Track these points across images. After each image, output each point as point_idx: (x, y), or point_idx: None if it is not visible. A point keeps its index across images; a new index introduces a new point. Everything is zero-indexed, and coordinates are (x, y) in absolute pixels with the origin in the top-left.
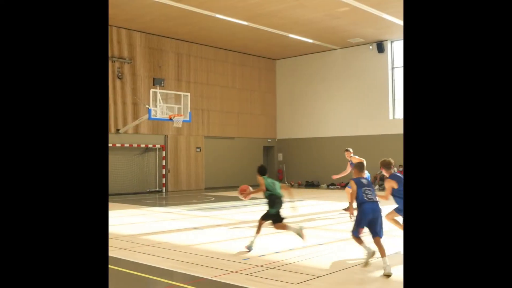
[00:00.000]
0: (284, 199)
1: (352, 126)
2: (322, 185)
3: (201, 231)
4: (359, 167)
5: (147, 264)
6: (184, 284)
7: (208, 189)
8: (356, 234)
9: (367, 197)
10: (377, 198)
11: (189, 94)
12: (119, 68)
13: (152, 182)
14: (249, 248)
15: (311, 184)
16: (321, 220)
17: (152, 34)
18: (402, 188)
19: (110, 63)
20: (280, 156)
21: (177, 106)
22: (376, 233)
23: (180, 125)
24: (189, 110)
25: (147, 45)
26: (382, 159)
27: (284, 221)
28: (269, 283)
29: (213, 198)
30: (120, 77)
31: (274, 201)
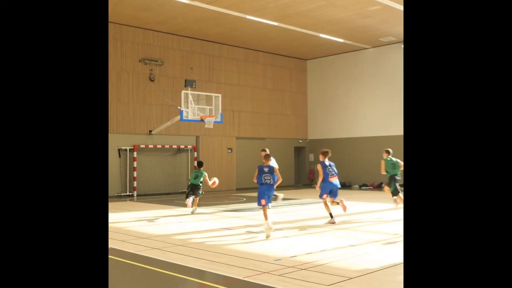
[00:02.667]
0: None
1: (384, 126)
2: (354, 186)
3: (232, 231)
4: (265, 158)
5: (179, 263)
6: (216, 284)
7: (239, 189)
8: (259, 204)
9: (264, 181)
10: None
11: (220, 95)
12: (151, 70)
13: (184, 183)
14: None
15: (343, 185)
16: (353, 221)
17: (184, 36)
18: (326, 171)
19: (142, 66)
20: (311, 157)
21: (208, 107)
22: (266, 203)
23: (212, 126)
24: (220, 111)
25: (179, 47)
26: (322, 149)
27: (190, 198)
28: (301, 284)
29: (245, 199)
30: (152, 79)
31: (190, 186)
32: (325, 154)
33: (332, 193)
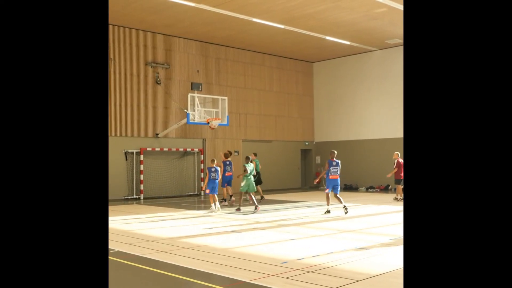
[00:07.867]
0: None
1: (391, 129)
2: (360, 188)
3: (239, 234)
4: (211, 160)
5: (186, 266)
6: (222, 287)
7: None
8: (206, 193)
9: (211, 177)
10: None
11: (226, 98)
12: (158, 73)
13: (191, 186)
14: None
15: (350, 187)
16: (359, 223)
17: (190, 39)
18: (226, 168)
19: (149, 69)
20: (317, 159)
21: (215, 110)
22: (210, 192)
23: (216, 126)
24: (226, 114)
25: (185, 50)
26: (226, 151)
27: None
28: (308, 287)
29: (251, 202)
30: (158, 82)
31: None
32: (227, 155)
33: (229, 183)
